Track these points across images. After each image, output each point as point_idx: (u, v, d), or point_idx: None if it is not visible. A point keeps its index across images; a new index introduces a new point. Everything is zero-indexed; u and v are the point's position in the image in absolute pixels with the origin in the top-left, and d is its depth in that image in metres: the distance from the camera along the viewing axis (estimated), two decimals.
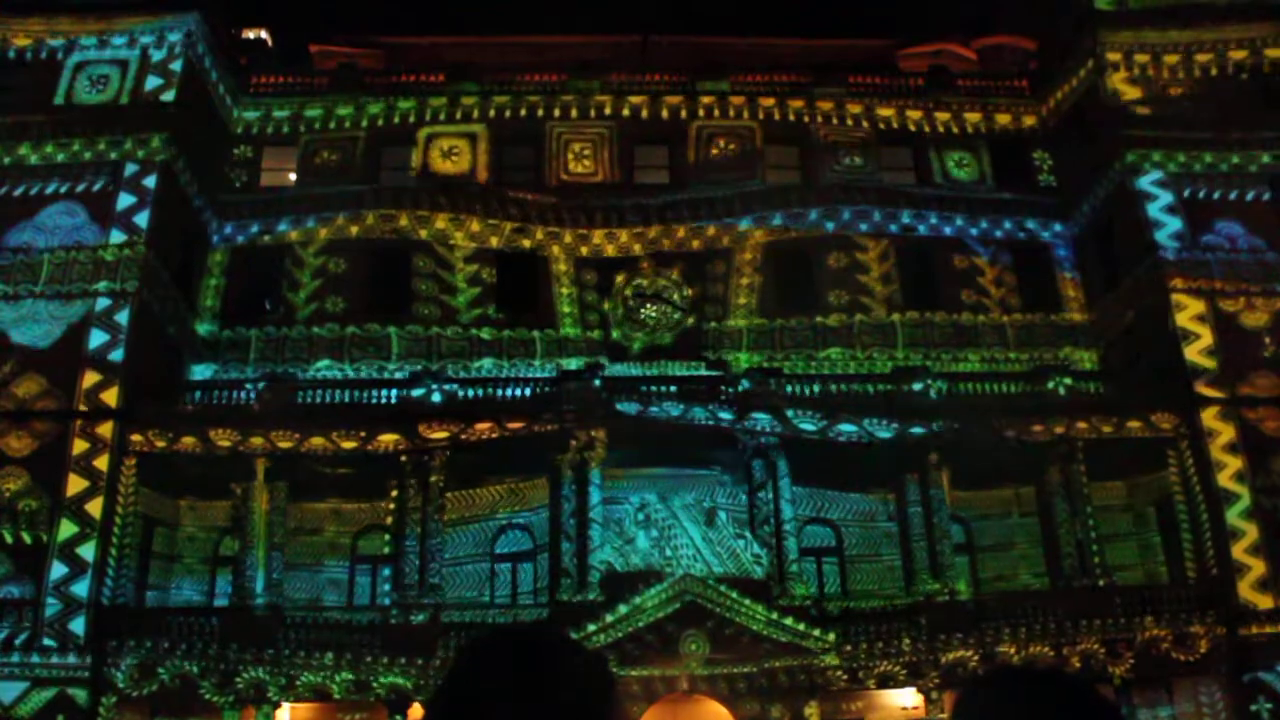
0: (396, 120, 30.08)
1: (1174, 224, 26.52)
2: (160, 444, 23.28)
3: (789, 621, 21.62)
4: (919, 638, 22.21)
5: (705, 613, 21.64)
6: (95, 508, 22.34)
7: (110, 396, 23.31)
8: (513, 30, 35.26)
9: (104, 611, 21.73)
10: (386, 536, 24.89)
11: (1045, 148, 30.74)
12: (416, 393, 24.20)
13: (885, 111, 30.74)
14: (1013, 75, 32.22)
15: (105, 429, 23.02)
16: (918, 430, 24.14)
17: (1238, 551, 23.37)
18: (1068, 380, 25.37)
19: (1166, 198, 26.82)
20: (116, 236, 24.74)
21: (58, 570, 21.83)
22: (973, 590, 24.50)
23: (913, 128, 30.78)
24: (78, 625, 21.55)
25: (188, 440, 23.35)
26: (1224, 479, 24.01)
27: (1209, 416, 24.55)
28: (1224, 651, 22.59)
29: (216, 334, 27.60)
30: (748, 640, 21.58)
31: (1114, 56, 28.46)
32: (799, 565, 23.48)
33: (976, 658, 22.11)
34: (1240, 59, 28.55)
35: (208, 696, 21.47)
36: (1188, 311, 25.58)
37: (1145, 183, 26.99)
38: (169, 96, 26.45)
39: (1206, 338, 25.36)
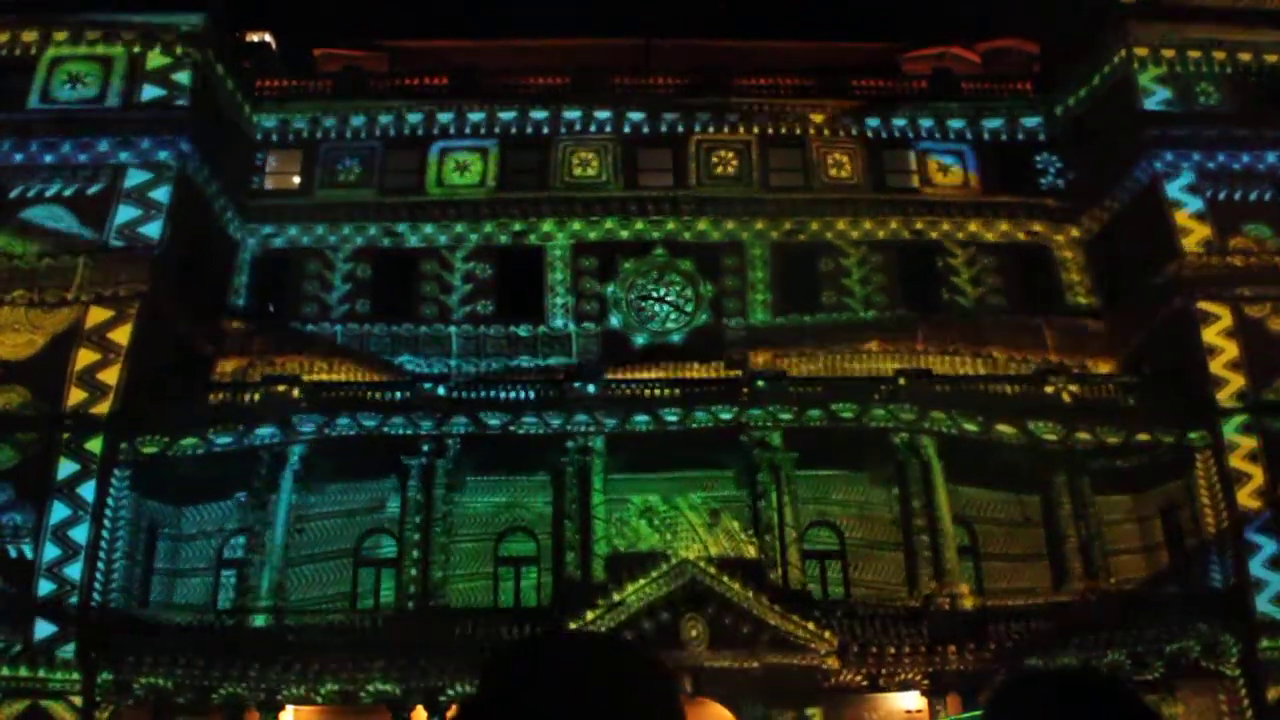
0: (405, 129, 30.16)
1: (1199, 226, 25.90)
2: (154, 449, 23.10)
3: (793, 618, 21.54)
4: (924, 642, 22.11)
5: (707, 592, 21.50)
6: (81, 528, 21.91)
7: (106, 403, 22.95)
8: (516, 34, 35.24)
9: (90, 624, 21.30)
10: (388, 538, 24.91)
11: (1053, 150, 30.51)
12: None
13: (889, 115, 30.70)
14: (1016, 78, 32.12)
15: (98, 435, 22.61)
16: (920, 434, 24.14)
17: (1257, 564, 22.85)
18: (1074, 386, 25.14)
19: (1192, 199, 26.22)
20: (118, 240, 24.50)
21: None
22: (979, 597, 24.36)
23: (916, 131, 30.75)
24: (46, 628, 21.21)
25: (189, 441, 23.24)
26: (1244, 489, 23.42)
27: (1231, 425, 23.97)
28: (1246, 663, 22.22)
29: (238, 333, 27.72)
30: (750, 630, 21.45)
31: (1139, 52, 27.82)
32: (803, 568, 23.45)
33: (1000, 667, 21.92)
34: (1269, 61, 28.08)
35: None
36: (1211, 317, 24.92)
37: (1170, 184, 26.37)
38: (177, 98, 26.33)
39: (1230, 344, 24.71)
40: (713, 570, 21.80)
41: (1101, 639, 22.12)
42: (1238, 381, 24.43)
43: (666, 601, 21.45)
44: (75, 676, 20.80)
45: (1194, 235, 25.90)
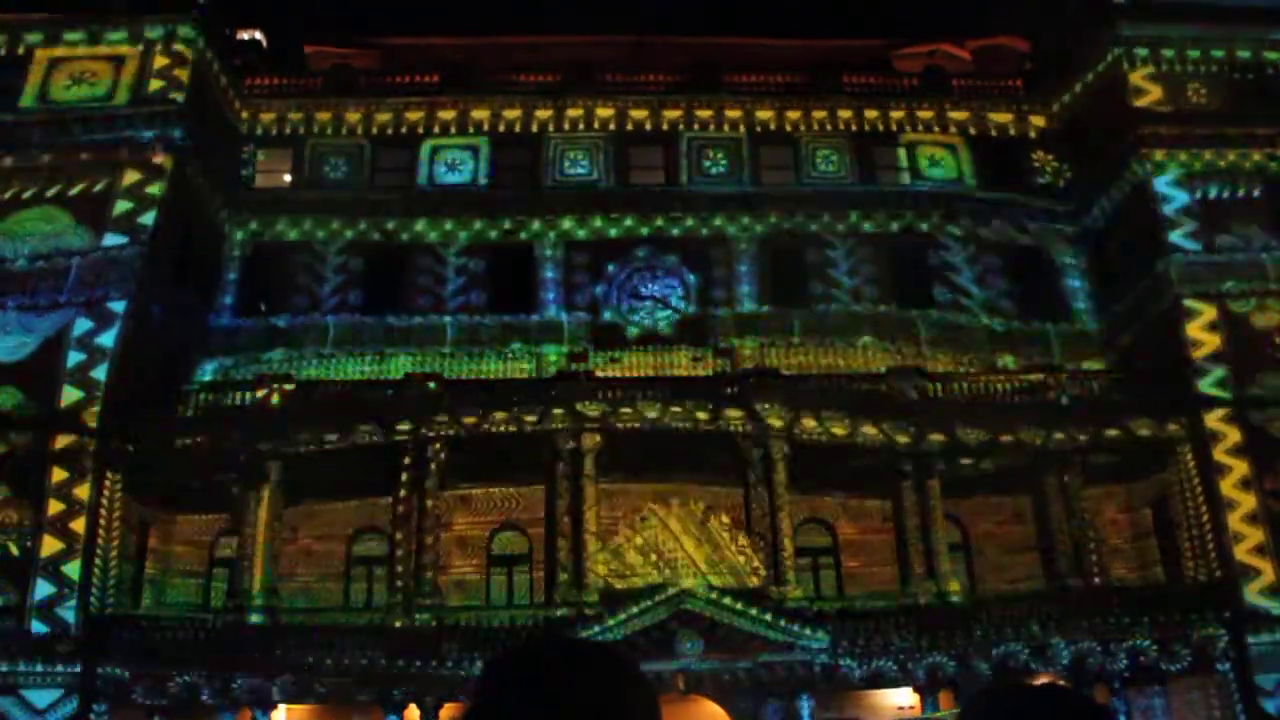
0: (397, 126, 30.11)
1: (1188, 225, 26.15)
2: (148, 453, 23.05)
3: (784, 623, 21.56)
4: (917, 639, 22.17)
5: (701, 619, 21.55)
6: (79, 525, 21.80)
7: (95, 410, 22.79)
8: (508, 31, 35.21)
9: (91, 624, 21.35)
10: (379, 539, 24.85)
11: (1046, 148, 30.54)
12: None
13: (880, 112, 30.74)
14: (1008, 76, 32.19)
15: (90, 440, 22.47)
16: (914, 433, 24.16)
17: (1242, 555, 23.02)
18: (1069, 383, 25.24)
19: (1181, 197, 26.46)
20: (113, 240, 24.36)
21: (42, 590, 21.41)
22: (970, 593, 24.41)
23: (908, 128, 30.79)
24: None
25: (178, 448, 23.15)
26: (1229, 482, 23.60)
27: (1214, 419, 24.19)
28: (1238, 654, 22.35)
29: (225, 332, 27.53)
30: (744, 642, 21.50)
31: (1132, 51, 27.99)
32: (794, 569, 23.43)
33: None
34: (1260, 59, 28.23)
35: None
36: (1199, 314, 25.20)
37: (1160, 182, 26.62)
38: (173, 94, 26.30)
39: (1216, 340, 24.98)
40: (712, 596, 21.74)
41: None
42: (1222, 376, 24.62)
43: (661, 623, 21.47)
44: (76, 670, 20.69)
45: (1182, 232, 26.10)
